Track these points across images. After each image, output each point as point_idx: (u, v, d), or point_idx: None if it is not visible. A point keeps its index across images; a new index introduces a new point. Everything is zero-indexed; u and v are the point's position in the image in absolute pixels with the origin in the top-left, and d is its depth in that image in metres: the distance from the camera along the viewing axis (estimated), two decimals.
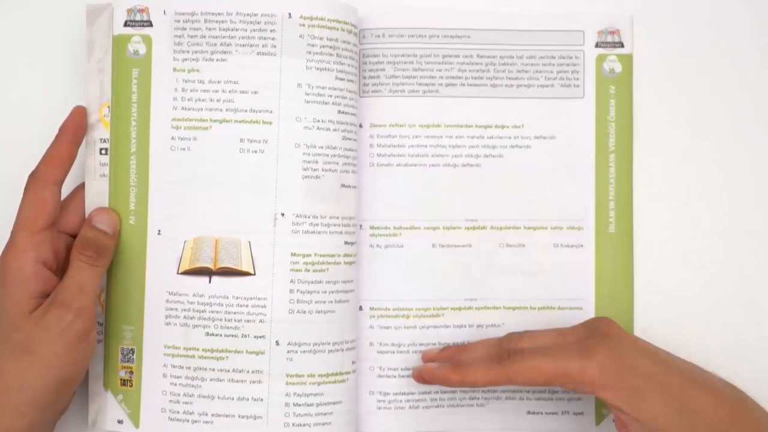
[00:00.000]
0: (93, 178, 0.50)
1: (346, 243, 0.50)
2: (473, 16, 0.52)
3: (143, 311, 0.49)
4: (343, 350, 0.49)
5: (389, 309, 0.51)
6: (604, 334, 0.45)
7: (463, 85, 0.52)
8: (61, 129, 0.48)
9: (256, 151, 0.49)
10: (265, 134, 0.49)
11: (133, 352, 0.50)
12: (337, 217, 0.49)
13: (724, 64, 0.53)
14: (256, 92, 0.49)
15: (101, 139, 0.50)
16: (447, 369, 0.47)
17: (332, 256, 0.49)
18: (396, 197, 0.51)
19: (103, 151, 0.50)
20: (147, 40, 0.50)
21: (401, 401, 0.51)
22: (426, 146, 0.52)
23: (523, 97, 0.52)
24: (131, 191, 0.49)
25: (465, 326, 0.51)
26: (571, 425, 0.51)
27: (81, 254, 0.46)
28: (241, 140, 0.49)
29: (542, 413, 0.51)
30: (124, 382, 0.50)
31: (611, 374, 0.43)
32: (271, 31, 0.49)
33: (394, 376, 0.51)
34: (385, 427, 0.51)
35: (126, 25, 0.50)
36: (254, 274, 0.49)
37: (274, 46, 0.49)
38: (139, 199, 0.49)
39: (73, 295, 0.45)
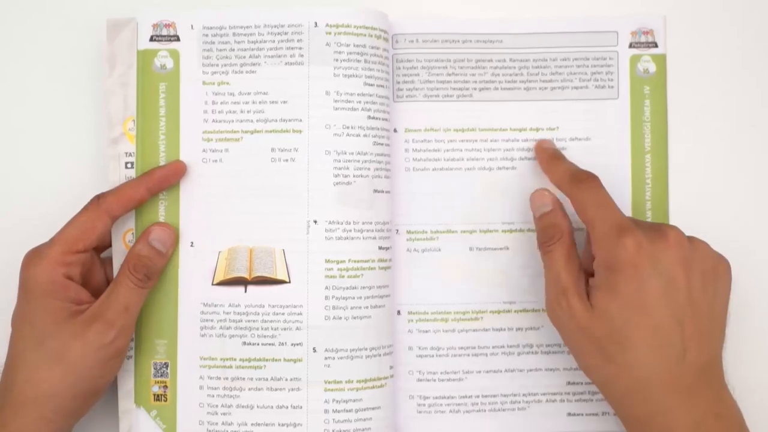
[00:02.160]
0: None
1: (380, 248, 0.50)
2: (505, 20, 0.52)
3: (177, 324, 0.50)
4: (380, 355, 0.50)
5: (427, 313, 0.51)
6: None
7: (497, 89, 0.52)
8: (149, 172, 0.49)
9: (287, 160, 0.49)
10: (296, 143, 0.49)
11: (167, 366, 0.49)
12: (371, 223, 0.50)
13: (759, 63, 0.53)
14: (285, 102, 0.50)
15: (126, 153, 0.50)
16: (544, 153, 0.50)
17: (366, 261, 0.49)
18: (432, 201, 0.52)
19: (129, 165, 0.50)
20: (174, 55, 0.50)
21: (441, 405, 0.51)
22: (461, 150, 0.52)
23: (557, 100, 0.52)
24: (161, 204, 0.50)
25: (504, 329, 0.51)
26: (612, 426, 0.51)
27: (132, 275, 0.47)
28: (273, 149, 0.49)
29: (583, 414, 0.51)
30: (158, 397, 0.49)
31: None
32: (298, 41, 0.50)
33: (434, 380, 0.51)
34: (425, 431, 0.51)
35: (152, 39, 0.50)
36: (289, 282, 0.49)
37: (302, 56, 0.50)
38: (170, 212, 0.50)
39: (117, 314, 0.46)
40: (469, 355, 0.51)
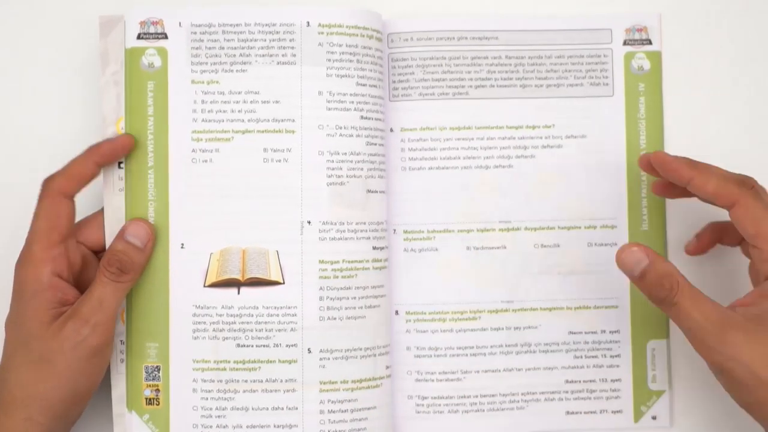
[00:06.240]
0: (112, 192, 0.49)
1: (374, 248, 0.50)
2: (501, 17, 0.52)
3: (168, 327, 0.49)
4: (375, 355, 0.49)
5: (425, 313, 0.51)
6: None
7: (493, 86, 0.52)
8: (96, 145, 0.48)
9: (280, 160, 0.49)
10: (289, 143, 0.49)
11: (159, 370, 0.49)
12: (364, 223, 0.49)
13: (753, 59, 0.53)
14: (277, 101, 0.49)
15: None
16: (682, 161, 0.45)
17: (360, 261, 0.49)
18: (429, 201, 0.51)
19: (121, 165, 0.49)
20: (162, 53, 0.49)
21: (440, 405, 0.51)
22: (457, 149, 0.52)
23: (552, 97, 0.52)
24: (150, 205, 0.49)
25: (502, 328, 0.51)
26: (610, 423, 0.51)
27: (105, 269, 0.46)
28: (265, 150, 0.49)
29: (581, 413, 0.51)
30: (150, 401, 0.49)
31: None
32: (290, 40, 0.49)
33: (432, 380, 0.51)
34: (424, 431, 0.51)
35: (139, 37, 0.49)
36: (283, 283, 0.49)
37: (294, 55, 0.49)
38: (159, 213, 0.49)
39: (92, 310, 0.45)
40: (467, 354, 0.51)
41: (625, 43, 0.52)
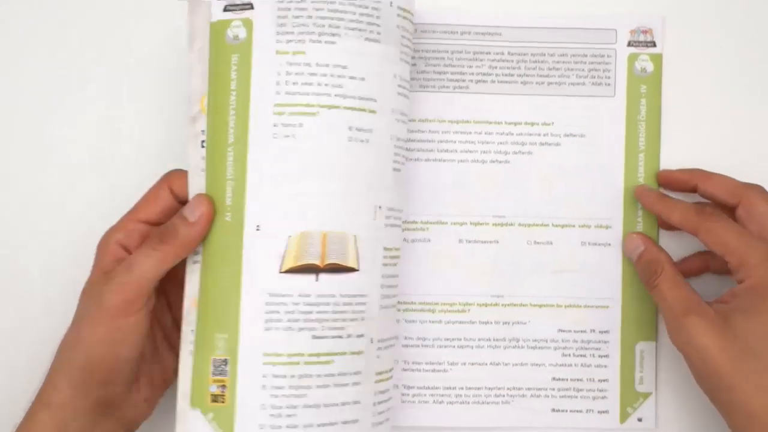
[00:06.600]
0: (194, 173, 0.46)
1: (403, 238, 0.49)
2: (505, 13, 0.52)
3: (239, 316, 0.44)
4: (395, 345, 0.49)
5: (415, 303, 0.51)
6: None
7: (494, 82, 0.52)
8: None
9: (362, 141, 0.45)
10: (371, 123, 0.46)
11: (227, 363, 0.44)
12: (401, 210, 0.48)
13: (755, 66, 0.53)
14: (363, 79, 0.45)
15: (203, 131, 0.46)
16: (653, 195, 0.50)
17: (399, 249, 0.48)
18: (424, 192, 0.52)
19: (204, 144, 0.46)
20: (247, 24, 0.46)
21: (425, 395, 0.51)
22: (455, 142, 0.52)
23: (553, 95, 0.52)
24: (228, 185, 0.45)
25: (491, 323, 0.51)
26: (596, 423, 0.51)
27: (149, 238, 0.45)
28: (350, 128, 0.45)
29: (567, 411, 0.51)
30: (215, 398, 0.44)
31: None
32: (377, 17, 0.46)
33: (419, 370, 0.51)
34: (408, 420, 0.51)
35: (226, 10, 0.46)
36: (358, 270, 0.45)
37: (379, 33, 0.46)
38: (236, 194, 0.45)
39: (119, 270, 0.43)
40: (454, 346, 0.51)
41: (629, 45, 0.52)
